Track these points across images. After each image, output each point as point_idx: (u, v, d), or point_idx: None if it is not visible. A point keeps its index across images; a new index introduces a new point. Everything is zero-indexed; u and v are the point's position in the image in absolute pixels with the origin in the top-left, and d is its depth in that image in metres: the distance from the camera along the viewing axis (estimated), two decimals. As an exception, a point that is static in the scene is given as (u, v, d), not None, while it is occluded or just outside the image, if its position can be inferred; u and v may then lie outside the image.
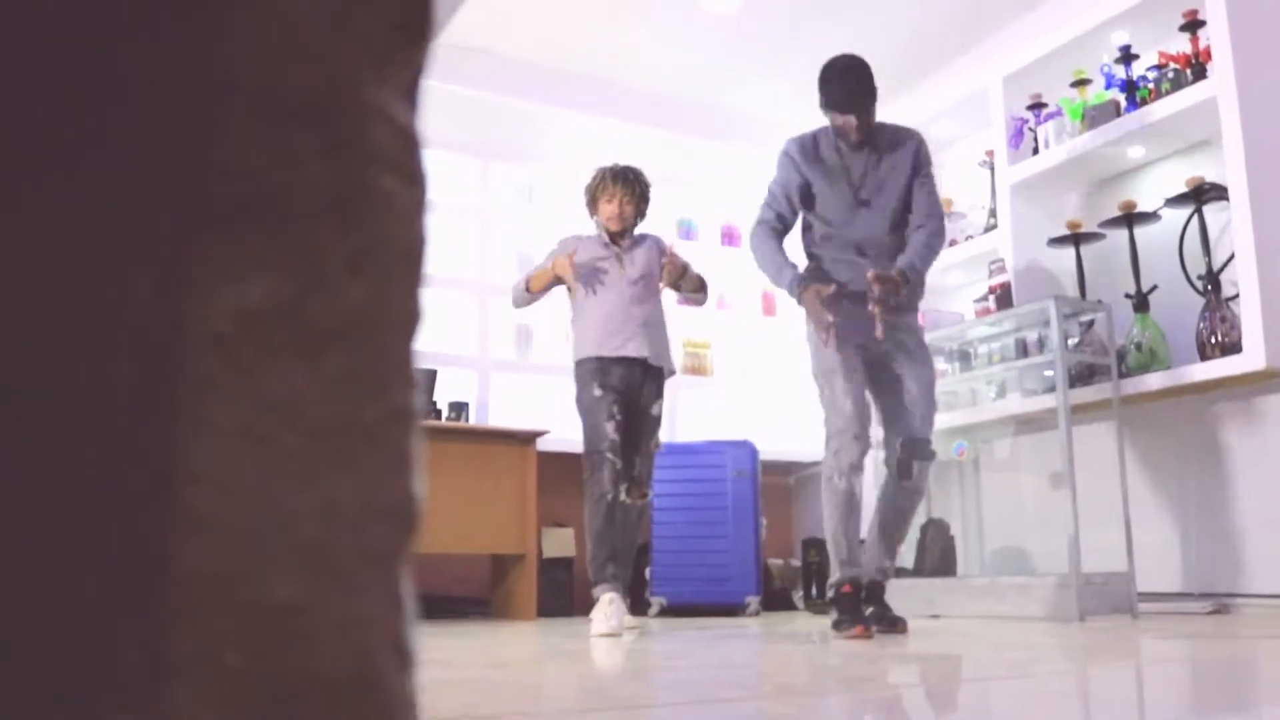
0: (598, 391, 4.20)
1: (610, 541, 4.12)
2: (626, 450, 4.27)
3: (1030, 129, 5.01)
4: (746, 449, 5.39)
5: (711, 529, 5.32)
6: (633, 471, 4.31)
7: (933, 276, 5.49)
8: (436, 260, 5.68)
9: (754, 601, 5.24)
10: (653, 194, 4.53)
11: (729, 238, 6.48)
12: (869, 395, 3.83)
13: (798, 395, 6.22)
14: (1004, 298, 4.81)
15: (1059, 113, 4.85)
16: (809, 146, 3.92)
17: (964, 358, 5.02)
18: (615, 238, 4.41)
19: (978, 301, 5.08)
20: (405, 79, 0.44)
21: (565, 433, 5.60)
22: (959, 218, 5.43)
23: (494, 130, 5.89)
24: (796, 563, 5.89)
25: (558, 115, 5.81)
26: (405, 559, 0.41)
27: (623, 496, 4.23)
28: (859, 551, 3.69)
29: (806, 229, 3.97)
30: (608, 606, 3.92)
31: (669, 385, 6.08)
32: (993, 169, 5.15)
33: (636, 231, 4.48)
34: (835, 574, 3.65)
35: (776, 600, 5.85)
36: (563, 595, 5.46)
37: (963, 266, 5.36)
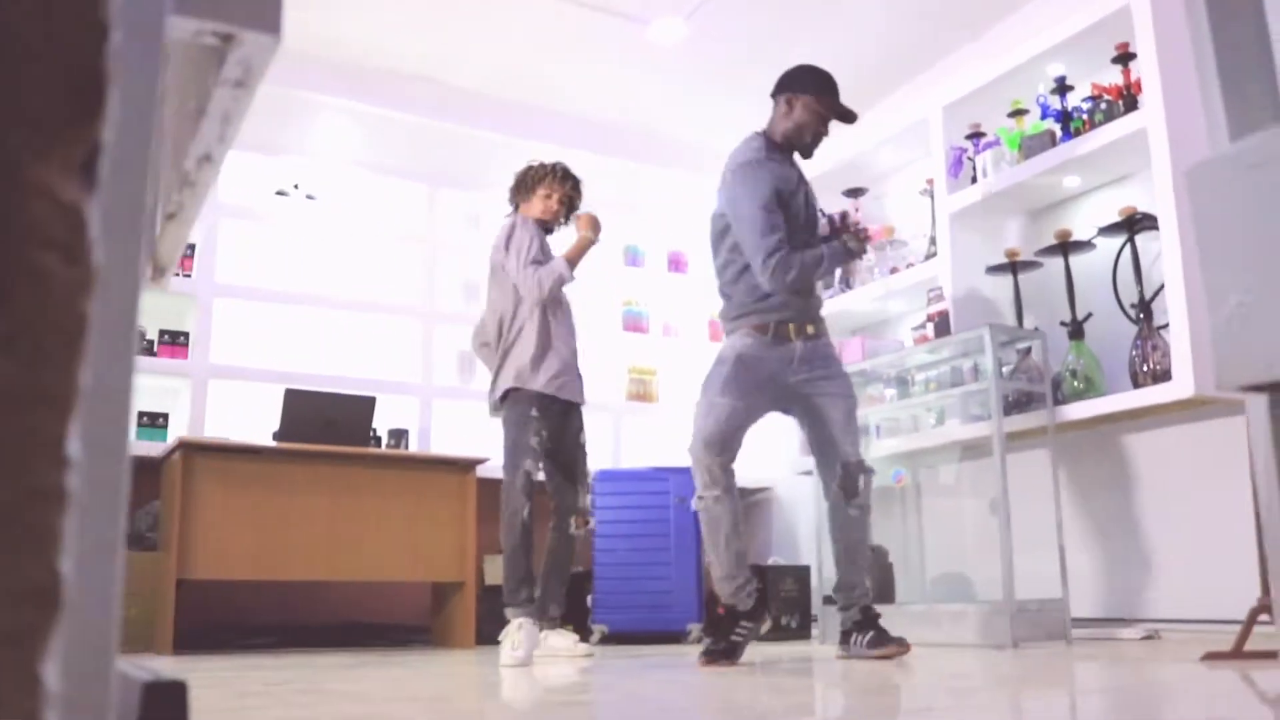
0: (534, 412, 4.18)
1: (525, 564, 4.12)
2: (563, 481, 4.28)
3: (969, 158, 5.06)
4: (689, 475, 5.38)
5: (654, 555, 5.31)
6: (578, 502, 4.31)
7: (873, 304, 5.55)
8: (382, 287, 5.68)
9: (696, 629, 5.23)
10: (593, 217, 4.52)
11: (675, 264, 6.49)
12: (802, 431, 3.87)
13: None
14: (942, 325, 4.84)
15: (997, 142, 4.91)
16: (773, 152, 3.87)
17: (902, 385, 5.04)
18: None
19: (916, 329, 5.11)
20: (76, 154, 0.43)
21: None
22: (900, 245, 5.47)
23: (441, 158, 5.90)
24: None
25: (505, 143, 5.81)
26: (46, 640, 0.40)
27: (572, 529, 4.25)
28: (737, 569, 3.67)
29: (735, 250, 3.83)
30: (516, 634, 3.90)
31: (614, 413, 6.11)
32: (933, 197, 5.19)
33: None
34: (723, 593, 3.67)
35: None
36: (500, 623, 5.41)
37: (904, 294, 5.40)
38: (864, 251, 3.91)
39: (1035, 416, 4.47)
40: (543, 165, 4.43)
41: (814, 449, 3.92)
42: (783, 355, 3.76)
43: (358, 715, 2.00)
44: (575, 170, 4.51)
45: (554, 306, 4.27)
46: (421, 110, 5.61)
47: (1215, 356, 0.83)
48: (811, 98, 3.86)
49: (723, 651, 3.55)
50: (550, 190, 4.36)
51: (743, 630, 3.61)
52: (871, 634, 3.64)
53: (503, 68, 5.54)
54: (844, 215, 4.03)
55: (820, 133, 3.90)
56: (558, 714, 2.13)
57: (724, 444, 3.71)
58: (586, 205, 6.27)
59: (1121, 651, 3.57)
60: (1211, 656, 2.98)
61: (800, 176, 3.93)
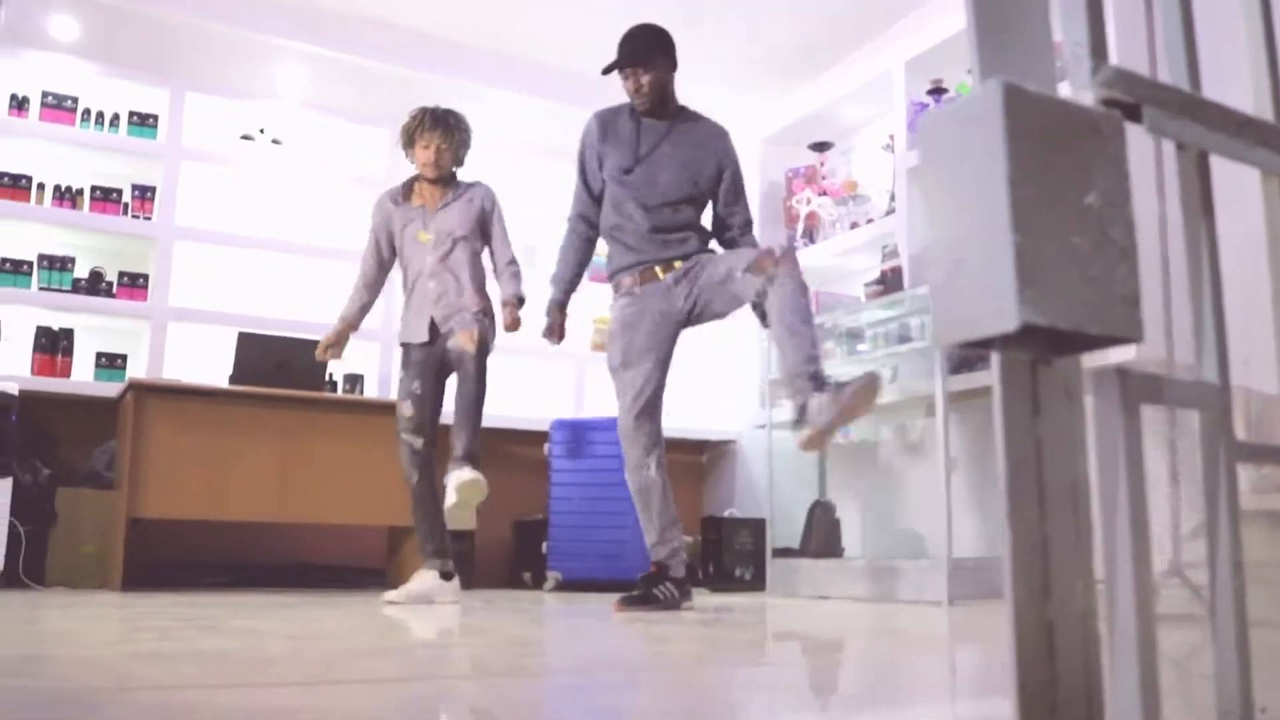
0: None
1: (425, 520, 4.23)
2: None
3: (930, 113, 5.01)
4: (646, 424, 5.40)
5: (611, 505, 5.33)
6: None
7: (834, 259, 5.53)
8: (345, 232, 5.67)
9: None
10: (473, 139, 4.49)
11: (643, 215, 6.45)
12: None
13: (710, 374, 6.25)
14: (895, 281, 4.83)
15: (957, 98, 4.86)
16: (609, 119, 4.07)
17: (856, 340, 5.04)
18: (430, 185, 4.38)
19: (869, 285, 5.09)
20: None
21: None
22: (864, 201, 5.44)
23: (399, 102, 5.85)
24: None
25: (461, 88, 5.77)
26: None
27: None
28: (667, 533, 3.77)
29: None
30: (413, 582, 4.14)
31: (578, 362, 6.12)
32: (894, 152, 5.16)
33: (461, 180, 4.45)
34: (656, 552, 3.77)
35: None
36: (462, 567, 5.46)
37: (863, 249, 5.38)
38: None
39: (982, 376, 4.46)
40: (416, 112, 4.37)
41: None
42: (657, 291, 3.84)
43: (218, 648, 2.03)
44: (451, 110, 4.40)
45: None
46: (376, 53, 5.58)
47: (934, 314, 0.84)
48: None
49: (638, 599, 3.63)
50: (427, 140, 4.31)
51: (666, 589, 3.69)
52: (827, 393, 3.35)
53: (456, 10, 5.49)
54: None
55: (630, 89, 3.97)
56: (414, 654, 2.16)
57: (649, 413, 3.79)
58: (549, 153, 6.27)
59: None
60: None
61: (654, 135, 3.96)
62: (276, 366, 4.90)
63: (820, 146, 5.72)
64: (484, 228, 4.37)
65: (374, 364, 5.62)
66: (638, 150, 3.92)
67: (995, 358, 0.90)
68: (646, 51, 3.89)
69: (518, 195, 6.33)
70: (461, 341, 4.18)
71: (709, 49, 5.44)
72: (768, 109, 6.06)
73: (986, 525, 4.43)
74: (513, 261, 4.35)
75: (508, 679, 1.70)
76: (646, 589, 3.70)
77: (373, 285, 4.51)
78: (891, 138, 5.22)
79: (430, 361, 4.24)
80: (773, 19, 5.37)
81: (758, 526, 5.51)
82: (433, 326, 4.24)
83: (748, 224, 3.98)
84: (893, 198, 5.15)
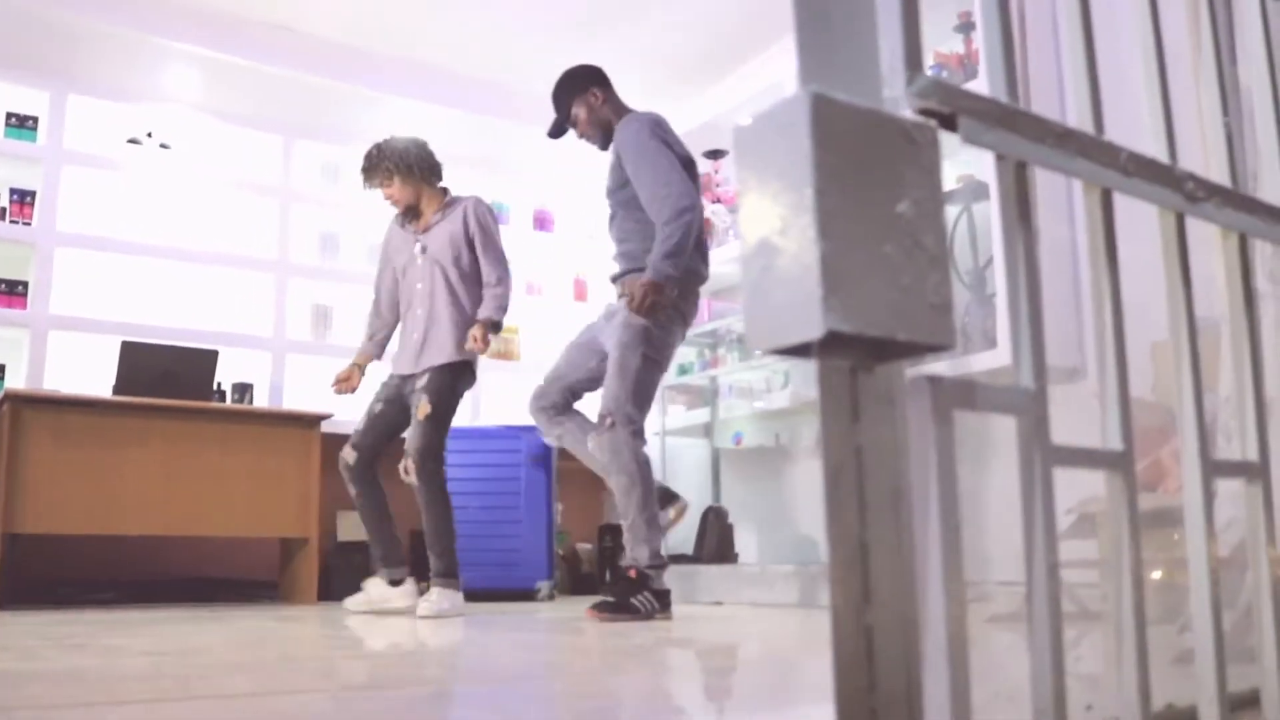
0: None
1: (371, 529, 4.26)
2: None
3: (822, 123, 5.07)
4: (533, 433, 5.38)
5: (504, 514, 5.31)
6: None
7: (727, 265, 5.56)
8: (235, 239, 5.57)
9: (545, 586, 5.24)
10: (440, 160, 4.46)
11: (541, 223, 6.44)
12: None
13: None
14: (787, 289, 4.87)
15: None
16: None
17: (745, 345, 5.07)
18: (409, 217, 4.38)
19: (762, 292, 5.13)
20: None
21: (353, 415, 5.54)
22: (758, 209, 5.48)
23: (298, 109, 5.78)
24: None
25: (365, 95, 5.71)
26: None
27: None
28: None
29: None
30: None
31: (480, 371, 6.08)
32: (787, 161, 5.20)
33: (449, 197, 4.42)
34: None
35: (584, 585, 5.87)
36: (360, 578, 5.39)
37: (758, 257, 5.40)
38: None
39: (872, 380, 4.52)
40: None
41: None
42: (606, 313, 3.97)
43: (75, 667, 1.97)
44: (378, 145, 4.36)
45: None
46: (275, 59, 5.47)
47: (745, 319, 0.84)
48: None
49: (616, 607, 3.53)
50: (373, 187, 4.35)
51: (644, 600, 3.59)
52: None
53: (360, 16, 5.42)
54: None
55: (580, 136, 4.06)
56: (273, 668, 2.12)
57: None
58: (455, 161, 6.23)
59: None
60: (996, 618, 3.06)
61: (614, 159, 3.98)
62: (162, 376, 4.79)
63: (715, 154, 5.76)
64: (470, 244, 4.28)
65: (264, 373, 5.52)
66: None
67: (815, 365, 0.91)
68: (561, 101, 4.01)
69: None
70: (421, 406, 4.16)
71: (606, 58, 5.41)
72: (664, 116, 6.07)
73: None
74: (499, 281, 4.22)
75: (363, 692, 1.67)
76: (625, 597, 3.57)
77: (380, 308, 4.47)
78: (785, 146, 5.26)
79: (402, 390, 4.26)
80: (668, 28, 5.40)
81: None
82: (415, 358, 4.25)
83: None
84: (786, 206, 5.19)
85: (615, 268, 3.92)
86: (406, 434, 4.17)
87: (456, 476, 5.34)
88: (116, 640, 2.73)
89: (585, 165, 5.60)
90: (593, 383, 3.92)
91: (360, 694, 1.66)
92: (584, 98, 3.99)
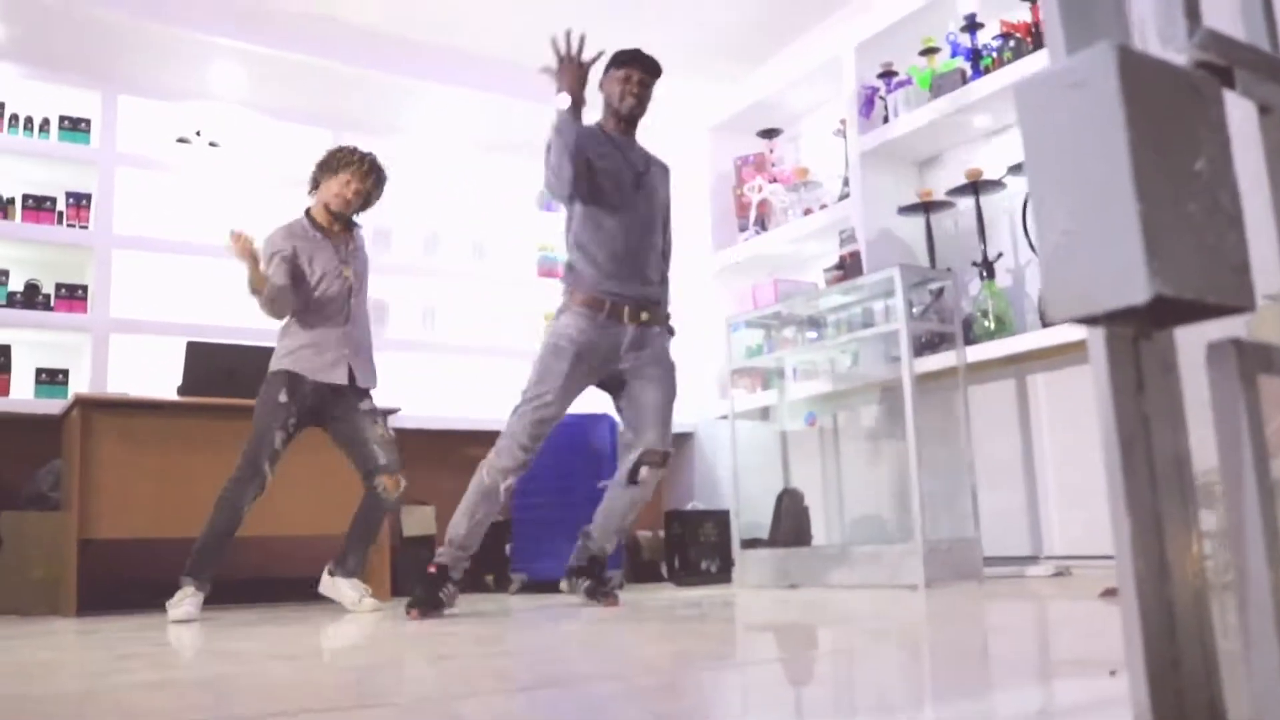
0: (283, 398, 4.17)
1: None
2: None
3: (881, 97, 5.02)
4: (606, 423, 5.34)
5: (576, 502, 5.26)
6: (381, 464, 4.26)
7: (789, 246, 5.51)
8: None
9: (616, 575, 5.20)
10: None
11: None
12: (618, 404, 4.03)
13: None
14: (854, 266, 4.82)
15: (909, 81, 4.86)
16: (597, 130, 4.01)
17: (816, 327, 5.02)
18: (331, 222, 4.30)
19: (828, 270, 5.08)
20: None
21: (421, 410, 5.52)
22: (815, 186, 5.43)
23: (345, 102, 5.74)
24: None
25: (406, 86, 5.67)
26: None
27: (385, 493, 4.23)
28: (473, 542, 3.82)
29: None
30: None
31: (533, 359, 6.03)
32: (845, 138, 5.14)
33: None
34: (443, 554, 3.81)
35: (645, 572, 5.84)
36: (421, 573, 5.37)
37: (817, 236, 5.36)
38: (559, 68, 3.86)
39: (946, 357, 4.47)
40: (353, 151, 4.30)
41: (627, 427, 4.02)
42: (614, 338, 3.87)
43: (218, 674, 1.94)
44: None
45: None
46: (318, 50, 5.44)
47: (1043, 288, 0.79)
48: (611, 69, 4.03)
49: (431, 603, 3.68)
50: (350, 179, 4.24)
51: (450, 591, 3.76)
52: (589, 583, 3.96)
53: (405, 5, 5.38)
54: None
55: (627, 92, 3.99)
56: (310, 676, 2.09)
57: (544, 434, 3.84)
58: (499, 148, 6.20)
59: (1028, 589, 3.60)
60: (1108, 593, 3.01)
61: (623, 154, 3.99)
62: (227, 375, 4.76)
63: (769, 133, 5.70)
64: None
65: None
66: (636, 168, 3.98)
67: (1095, 333, 0.87)
68: (658, 70, 4.01)
69: (465, 192, 6.25)
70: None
71: (653, 38, 5.36)
72: (714, 97, 6.02)
73: (954, 507, 4.43)
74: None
75: (545, 691, 1.63)
76: (432, 593, 3.72)
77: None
78: (843, 122, 5.20)
79: (321, 401, 4.23)
80: (718, 5, 5.34)
81: (721, 518, 5.47)
82: (349, 374, 4.23)
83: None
84: (845, 183, 5.14)
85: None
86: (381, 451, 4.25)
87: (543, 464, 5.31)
88: (225, 645, 2.71)
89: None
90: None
91: (549, 692, 1.61)
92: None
